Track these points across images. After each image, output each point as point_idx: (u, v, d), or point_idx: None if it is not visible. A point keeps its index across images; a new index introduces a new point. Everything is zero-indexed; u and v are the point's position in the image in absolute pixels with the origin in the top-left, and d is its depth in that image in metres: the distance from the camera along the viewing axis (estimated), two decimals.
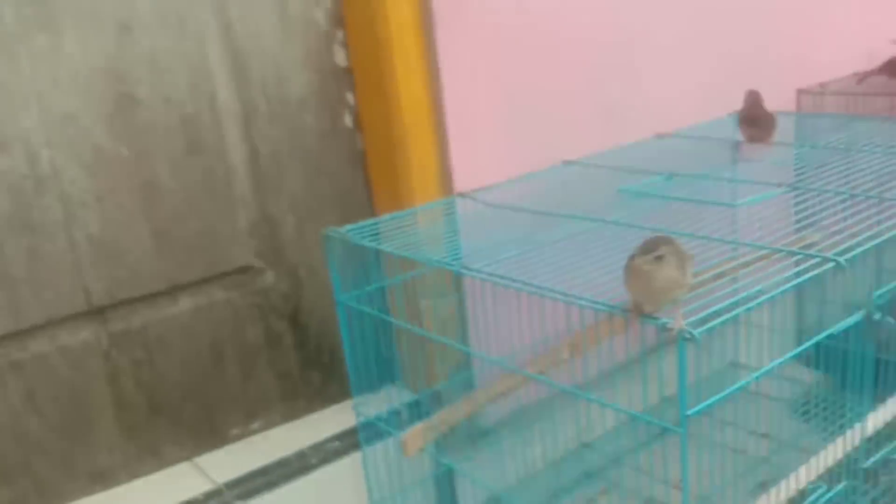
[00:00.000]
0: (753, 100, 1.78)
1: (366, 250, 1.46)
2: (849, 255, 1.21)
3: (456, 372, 1.70)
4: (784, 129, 1.90)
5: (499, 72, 1.65)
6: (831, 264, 1.20)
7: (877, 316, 1.26)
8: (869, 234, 1.28)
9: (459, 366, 1.71)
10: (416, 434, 1.47)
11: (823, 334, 1.28)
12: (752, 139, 1.77)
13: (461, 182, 1.62)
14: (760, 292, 1.11)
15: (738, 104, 1.83)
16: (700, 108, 1.92)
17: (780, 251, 1.25)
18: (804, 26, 2.20)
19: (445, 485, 1.75)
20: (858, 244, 1.26)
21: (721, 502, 1.79)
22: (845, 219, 1.39)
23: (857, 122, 1.84)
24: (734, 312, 1.10)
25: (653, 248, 1.07)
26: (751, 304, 1.12)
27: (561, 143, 1.74)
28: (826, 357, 2.01)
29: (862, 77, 2.07)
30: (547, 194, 1.56)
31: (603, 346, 1.49)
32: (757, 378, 1.16)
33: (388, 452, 1.62)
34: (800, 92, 2.03)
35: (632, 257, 1.10)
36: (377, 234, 1.46)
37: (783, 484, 1.55)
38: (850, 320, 1.28)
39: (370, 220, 1.48)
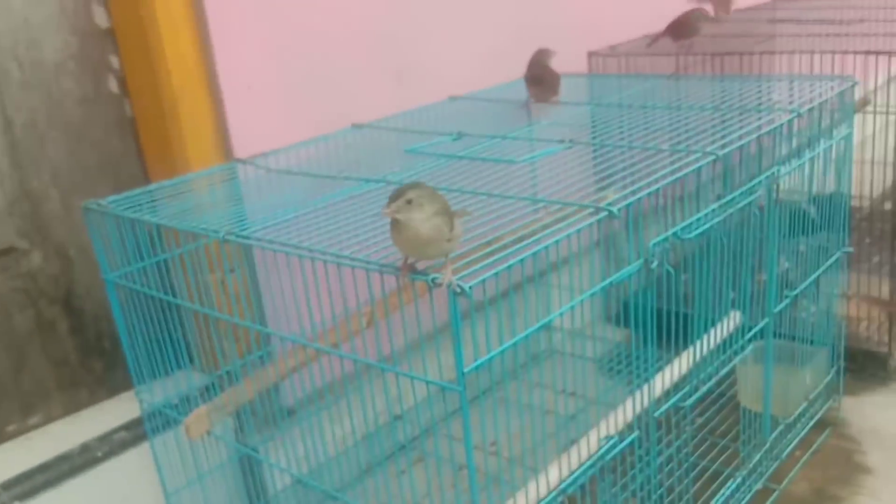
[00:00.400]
0: (538, 59, 1.77)
1: (138, 224, 1.34)
2: (620, 205, 1.20)
3: (249, 351, 1.60)
4: (577, 90, 1.91)
5: (276, 33, 1.56)
6: (604, 213, 1.19)
7: (653, 265, 1.26)
8: (644, 183, 1.28)
9: (255, 344, 1.62)
10: (199, 417, 1.36)
11: (606, 282, 1.27)
12: (536, 98, 1.76)
13: (243, 148, 1.52)
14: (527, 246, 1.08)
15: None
16: (494, 71, 1.89)
17: (555, 203, 1.23)
18: None
19: (249, 470, 1.66)
20: (633, 193, 1.26)
21: (532, 462, 1.79)
22: (629, 171, 1.40)
23: (643, 80, 1.87)
24: (509, 263, 1.07)
25: (400, 194, 1.02)
26: (525, 256, 1.09)
27: (351, 106, 1.67)
28: (628, 313, 2.06)
29: (653, 40, 2.11)
30: (333, 157, 1.49)
31: (409, 312, 1.44)
32: (527, 336, 1.13)
33: (180, 441, 1.51)
34: (590, 54, 2.04)
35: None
36: (148, 204, 1.35)
37: (583, 440, 1.55)
38: (629, 269, 1.27)
39: (138, 190, 1.36)
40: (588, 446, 1.57)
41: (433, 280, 1.04)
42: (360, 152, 1.50)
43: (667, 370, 1.60)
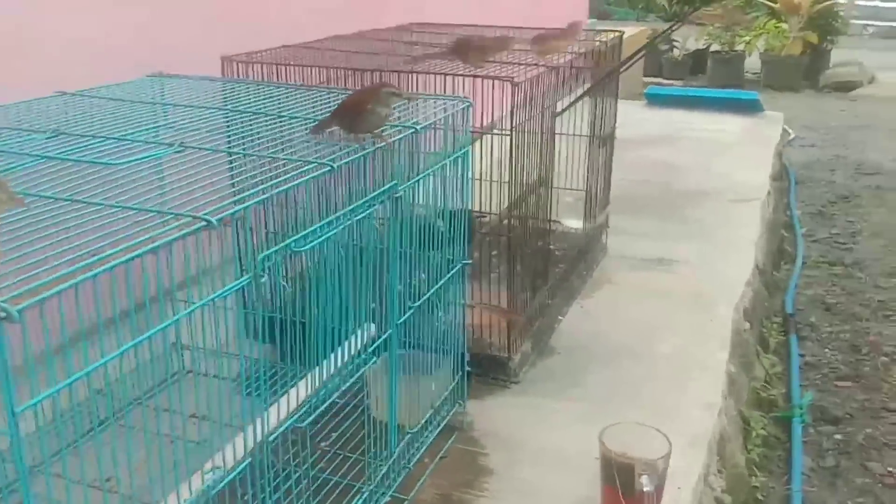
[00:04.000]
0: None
1: None
2: (222, 215, 1.06)
3: None
4: (210, 94, 1.75)
5: None
6: (202, 224, 1.04)
7: (262, 278, 1.14)
8: (252, 192, 1.16)
9: None
10: None
11: (206, 299, 1.13)
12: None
13: None
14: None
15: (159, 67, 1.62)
16: (113, 68, 1.67)
17: (141, 210, 1.06)
18: None
19: None
20: (239, 202, 1.13)
21: (152, 496, 1.58)
22: (246, 181, 1.26)
23: (279, 89, 1.75)
24: (74, 281, 0.88)
25: None
26: (95, 272, 0.91)
27: None
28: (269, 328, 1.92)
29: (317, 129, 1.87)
30: None
31: None
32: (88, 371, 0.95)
33: None
34: (224, 59, 1.89)
35: None
36: None
37: (196, 473, 1.38)
38: (236, 284, 1.14)
39: None
40: (202, 478, 1.40)
41: None
42: None
43: (288, 394, 1.49)
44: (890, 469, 2.40)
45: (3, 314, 0.81)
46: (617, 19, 9.51)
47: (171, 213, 1.05)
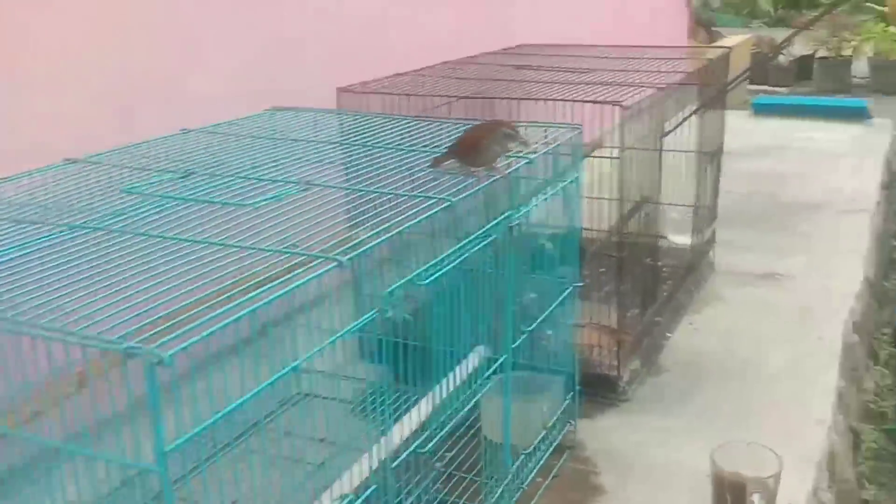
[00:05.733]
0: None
1: None
2: (353, 255, 1.07)
3: None
4: (328, 128, 1.77)
5: None
6: (334, 265, 1.06)
7: (387, 314, 1.14)
8: (379, 230, 1.16)
9: None
10: None
11: (339, 334, 1.14)
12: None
13: None
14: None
15: (276, 100, 1.66)
16: (236, 102, 1.71)
17: (275, 252, 1.08)
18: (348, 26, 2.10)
19: None
20: (368, 241, 1.14)
21: None
22: (365, 215, 1.27)
23: (395, 121, 1.76)
24: (214, 327, 0.91)
25: None
26: (236, 316, 0.93)
27: (63, 137, 1.42)
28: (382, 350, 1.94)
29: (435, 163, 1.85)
30: (38, 197, 1.24)
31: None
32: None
33: None
34: (340, 90, 1.91)
35: None
36: None
37: (329, 491, 1.40)
38: (363, 320, 1.15)
39: None
40: (331, 497, 1.42)
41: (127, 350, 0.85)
42: (71, 191, 1.26)
43: (407, 416, 1.50)
44: None
45: (156, 359, 0.84)
46: (721, 26, 9.20)
47: (305, 254, 1.06)
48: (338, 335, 1.09)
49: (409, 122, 1.73)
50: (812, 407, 2.06)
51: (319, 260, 1.05)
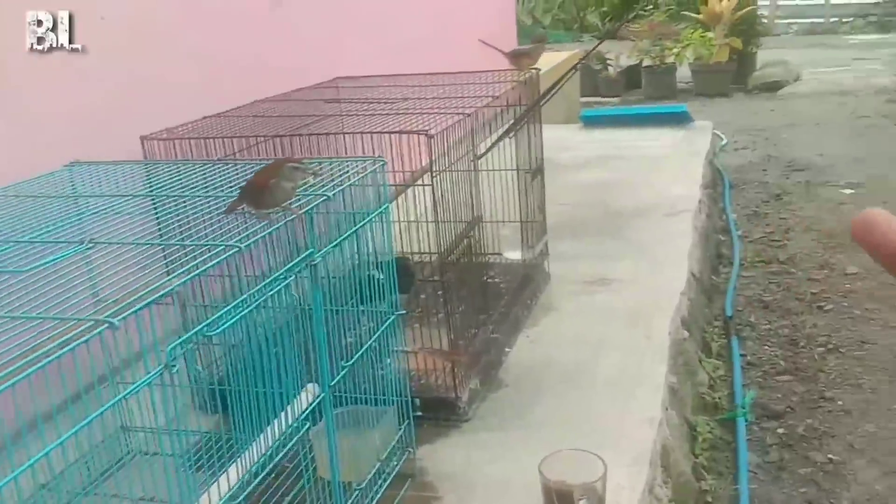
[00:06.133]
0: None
1: None
2: (123, 315, 1.04)
3: None
4: (130, 178, 1.72)
5: None
6: (105, 326, 1.02)
7: (174, 369, 1.12)
8: (157, 285, 1.13)
9: None
10: None
11: (118, 397, 1.10)
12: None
13: None
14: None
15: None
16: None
17: (51, 318, 1.04)
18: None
19: None
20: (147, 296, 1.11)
21: None
22: (154, 267, 1.24)
23: (198, 166, 1.73)
24: None
25: None
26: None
27: None
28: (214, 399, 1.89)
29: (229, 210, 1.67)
30: None
31: None
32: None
33: None
34: (143, 139, 1.86)
35: None
36: None
37: None
38: (147, 378, 1.11)
39: None
40: None
41: None
42: None
43: (233, 466, 1.46)
44: (830, 457, 2.42)
45: None
46: (553, 41, 9.59)
47: (74, 319, 1.02)
48: (115, 399, 1.05)
49: (211, 167, 1.70)
50: (643, 406, 2.13)
51: (89, 323, 1.01)
